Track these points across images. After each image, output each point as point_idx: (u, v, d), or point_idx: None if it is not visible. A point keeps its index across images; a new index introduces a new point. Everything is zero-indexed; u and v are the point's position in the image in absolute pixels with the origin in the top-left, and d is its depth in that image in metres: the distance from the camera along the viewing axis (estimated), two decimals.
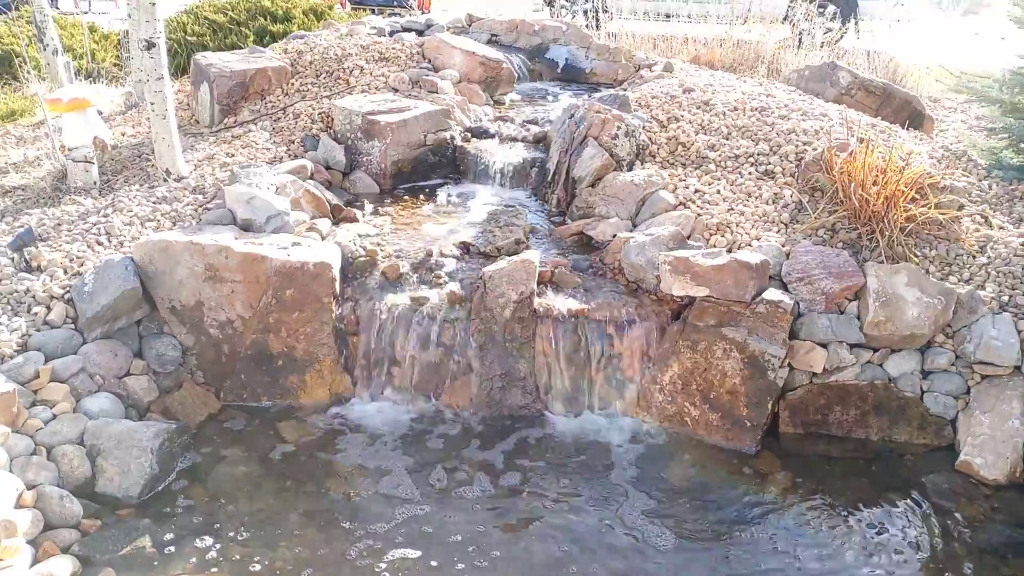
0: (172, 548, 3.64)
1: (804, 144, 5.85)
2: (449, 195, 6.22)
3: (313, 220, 5.31)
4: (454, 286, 4.80)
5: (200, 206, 5.44)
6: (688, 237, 5.00)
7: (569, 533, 3.83)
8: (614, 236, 5.20)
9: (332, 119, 6.66)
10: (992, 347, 4.27)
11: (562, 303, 4.66)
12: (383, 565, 3.59)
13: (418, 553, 3.65)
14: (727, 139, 6.02)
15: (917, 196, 4.97)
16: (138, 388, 4.43)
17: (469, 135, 6.83)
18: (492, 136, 6.85)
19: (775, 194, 5.39)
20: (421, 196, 6.25)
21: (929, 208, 4.90)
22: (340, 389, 4.76)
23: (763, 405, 4.36)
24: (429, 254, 5.07)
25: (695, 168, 5.75)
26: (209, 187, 5.67)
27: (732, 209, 5.25)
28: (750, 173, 5.66)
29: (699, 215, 5.18)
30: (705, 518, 3.94)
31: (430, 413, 4.67)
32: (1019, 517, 3.91)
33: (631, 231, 5.25)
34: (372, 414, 4.67)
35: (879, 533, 3.86)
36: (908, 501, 4.07)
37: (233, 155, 6.23)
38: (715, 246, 4.93)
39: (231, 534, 3.75)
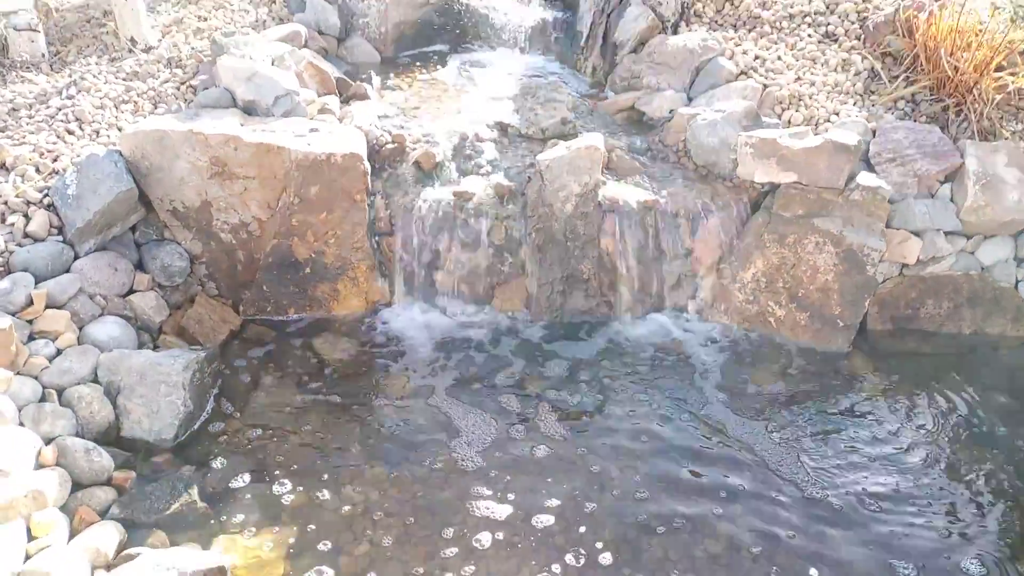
0: (223, 500, 3.14)
1: (863, 0, 5.21)
2: (463, 64, 5.46)
3: (322, 99, 4.53)
4: (499, 177, 4.18)
5: (183, 83, 4.59)
6: (757, 112, 4.42)
7: (637, 445, 3.46)
8: (671, 112, 4.60)
9: None
10: None
11: (628, 193, 4.10)
12: (467, 500, 3.16)
13: (504, 481, 3.23)
14: None
15: (1004, 64, 4.46)
16: (146, 307, 3.78)
17: None
18: None
19: (843, 60, 4.80)
20: (430, 64, 5.47)
21: (1019, 77, 4.41)
22: (377, 297, 4.19)
23: (859, 303, 3.98)
24: (464, 138, 4.39)
25: (748, 30, 5.09)
26: (187, 59, 4.79)
27: (800, 79, 4.67)
28: (809, 36, 5.04)
29: (766, 86, 4.58)
30: (797, 427, 3.60)
31: (481, 321, 4.16)
32: None
33: (688, 105, 4.64)
34: (417, 324, 4.14)
35: (995, 433, 3.60)
36: (1012, 399, 3.80)
37: (206, 19, 5.28)
38: (791, 122, 4.38)
39: (286, 478, 3.25)
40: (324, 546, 2.95)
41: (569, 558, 2.91)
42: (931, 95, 4.52)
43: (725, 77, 4.66)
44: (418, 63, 5.47)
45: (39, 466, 2.95)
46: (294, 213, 3.95)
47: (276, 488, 3.18)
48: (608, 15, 5.12)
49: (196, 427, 3.45)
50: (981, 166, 4.02)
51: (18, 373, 3.16)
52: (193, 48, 4.90)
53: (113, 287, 3.72)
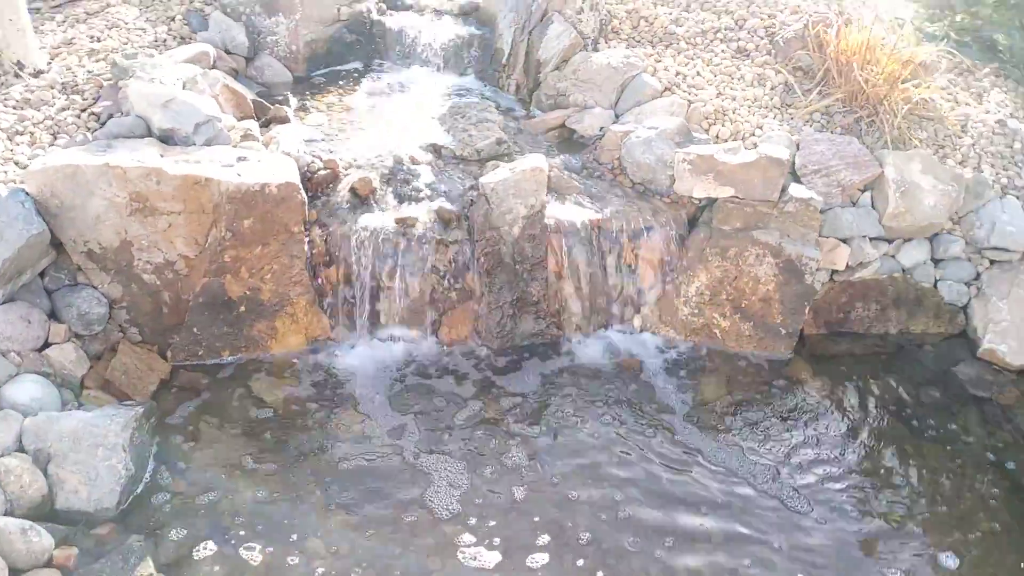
0: (183, 571, 2.87)
1: (769, 17, 5.42)
2: (382, 83, 5.28)
3: (242, 124, 4.27)
4: (441, 201, 4.06)
5: (83, 111, 4.22)
6: (688, 128, 4.50)
7: (609, 464, 3.47)
8: (602, 130, 4.61)
9: None
10: (1006, 232, 4.22)
11: (572, 213, 4.08)
12: (430, 540, 3.04)
13: (487, 524, 3.13)
14: (687, 11, 5.47)
15: (909, 76, 4.73)
16: (66, 361, 3.44)
17: (384, 7, 5.79)
18: (409, 7, 5.87)
19: (758, 75, 4.97)
20: (346, 84, 5.27)
21: (921, 88, 4.70)
22: (318, 333, 3.98)
23: (799, 311, 4.11)
24: (398, 161, 4.25)
25: (665, 47, 5.18)
26: (83, 84, 4.40)
27: (721, 93, 4.79)
28: (723, 51, 5.18)
29: (691, 102, 4.67)
30: (745, 432, 3.70)
31: (430, 351, 4.03)
32: None
33: (616, 122, 4.67)
34: (363, 359, 3.96)
35: (934, 428, 3.79)
36: (940, 394, 4.03)
37: (99, 39, 4.88)
38: (718, 137, 4.48)
39: (247, 537, 3.03)
40: None
41: None
42: (844, 107, 4.73)
43: (650, 94, 4.72)
44: (333, 82, 5.26)
45: None
46: (226, 249, 3.70)
47: (240, 550, 2.95)
48: (530, 32, 5.09)
49: (139, 490, 3.16)
50: (899, 174, 4.24)
51: None
52: (90, 72, 4.51)
53: (27, 341, 3.36)
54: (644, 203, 4.23)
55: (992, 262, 4.35)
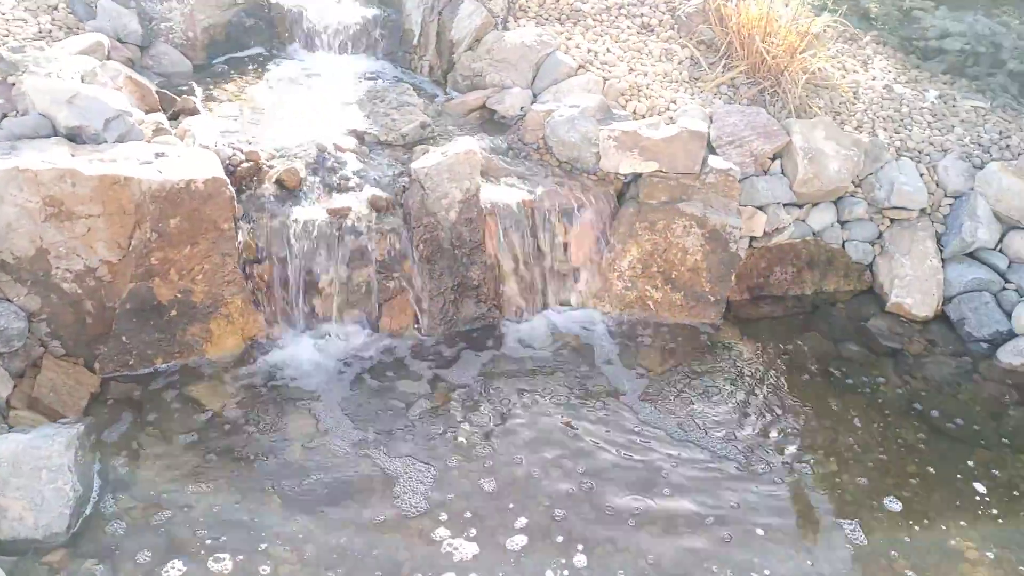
0: None
1: None
2: (290, 69, 5.11)
3: (150, 117, 4.05)
4: (372, 189, 3.99)
5: None
6: (608, 105, 4.59)
7: (565, 438, 3.57)
8: (523, 109, 4.64)
9: None
10: (904, 192, 4.54)
11: (506, 195, 4.10)
12: (399, 537, 3.05)
13: (440, 513, 3.15)
14: None
15: (805, 47, 4.99)
16: None
17: None
18: None
19: (665, 50, 5.12)
20: (250, 70, 5.06)
21: (816, 58, 4.97)
22: (254, 333, 3.85)
23: (726, 278, 4.29)
24: (322, 150, 4.14)
25: (573, 24, 5.24)
26: None
27: (633, 69, 4.91)
28: (628, 27, 5.30)
29: (606, 79, 4.76)
30: (684, 395, 3.87)
31: (373, 344, 3.98)
32: (951, 346, 4.34)
33: (535, 101, 4.71)
34: (303, 357, 3.87)
35: (853, 378, 4.07)
36: (857, 347, 4.31)
37: None
38: (635, 112, 4.60)
39: (212, 548, 2.93)
40: None
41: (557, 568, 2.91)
42: (748, 79, 4.95)
43: (566, 72, 4.78)
44: (237, 70, 5.04)
45: None
46: (152, 251, 3.52)
47: (211, 566, 2.85)
48: (439, 12, 5.03)
49: (88, 512, 2.99)
50: (806, 141, 4.48)
51: None
52: None
53: None
54: (573, 181, 4.30)
55: (892, 221, 4.67)
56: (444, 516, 3.12)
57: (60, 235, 3.40)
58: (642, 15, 5.40)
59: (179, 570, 2.82)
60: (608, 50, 5.04)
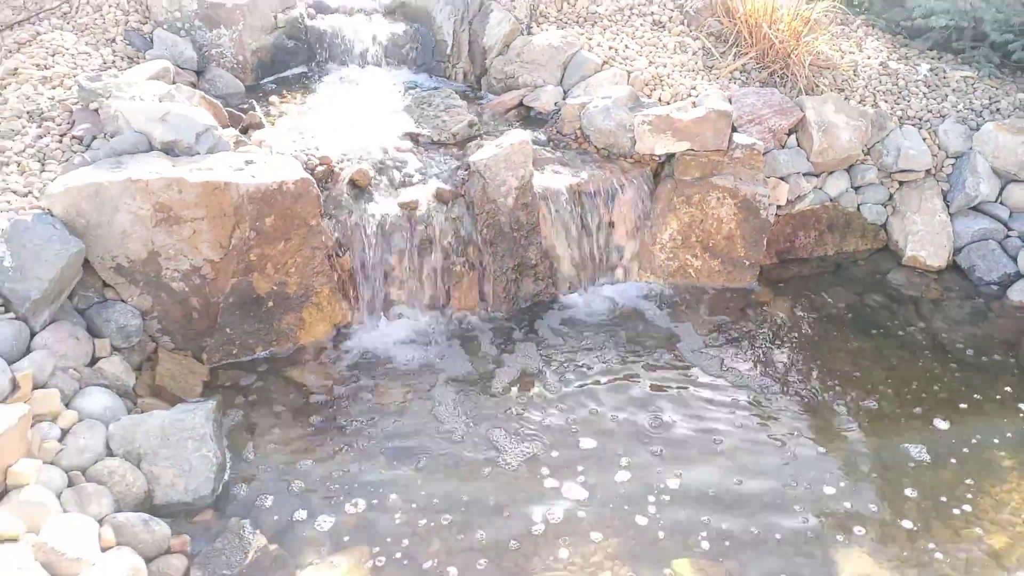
0: (294, 536, 3.11)
1: None
2: (334, 83, 5.50)
3: (226, 132, 4.41)
4: (436, 182, 4.38)
5: (63, 136, 4.24)
6: (637, 95, 5.01)
7: (619, 396, 3.95)
8: (556, 104, 5.05)
9: (148, 8, 5.41)
10: (910, 156, 4.98)
11: (556, 181, 4.50)
12: (508, 481, 3.43)
13: (539, 461, 3.53)
14: None
15: (807, 31, 5.44)
16: (118, 372, 3.54)
17: (312, 11, 5.98)
18: (335, 10, 6.08)
19: (678, 43, 5.56)
20: (297, 87, 5.45)
21: (817, 40, 5.42)
22: (339, 319, 4.22)
23: (759, 243, 4.70)
24: (384, 151, 4.53)
25: (592, 25, 5.68)
26: (50, 111, 4.41)
27: (653, 62, 5.33)
28: (641, 25, 5.74)
29: (630, 72, 5.19)
30: (729, 348, 4.29)
31: (444, 323, 4.36)
32: (965, 291, 4.79)
33: (565, 97, 5.13)
34: (385, 338, 4.24)
35: (879, 325, 4.50)
36: (881, 297, 4.74)
37: (48, 66, 4.85)
38: (661, 100, 5.02)
39: (337, 502, 3.29)
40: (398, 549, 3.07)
41: (652, 504, 3.30)
42: (758, 64, 5.39)
43: (592, 68, 5.20)
44: (286, 87, 5.42)
45: (102, 549, 2.76)
46: (251, 248, 3.88)
47: (337, 514, 3.20)
48: (470, 22, 5.44)
49: (226, 478, 3.34)
50: (818, 115, 4.92)
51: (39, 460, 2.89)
52: (51, 98, 4.51)
53: (80, 357, 3.45)
54: (612, 165, 4.71)
55: (901, 183, 5.11)
56: (544, 464, 3.49)
57: (169, 238, 3.76)
58: (652, 13, 5.85)
59: (314, 517, 3.18)
60: (627, 46, 5.47)
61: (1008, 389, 4.00)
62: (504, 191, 4.28)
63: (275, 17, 5.60)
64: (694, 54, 5.47)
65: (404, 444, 3.60)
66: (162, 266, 3.79)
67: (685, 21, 5.76)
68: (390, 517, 3.22)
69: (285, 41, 5.66)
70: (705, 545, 3.12)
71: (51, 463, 2.95)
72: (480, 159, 4.28)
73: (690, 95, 5.06)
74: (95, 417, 3.22)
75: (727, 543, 3.13)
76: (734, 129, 4.85)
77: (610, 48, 5.41)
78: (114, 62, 5.01)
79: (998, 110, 5.32)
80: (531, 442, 3.61)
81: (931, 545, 3.14)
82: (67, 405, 3.23)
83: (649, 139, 4.62)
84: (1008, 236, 4.89)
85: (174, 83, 4.84)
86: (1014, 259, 4.79)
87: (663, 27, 5.76)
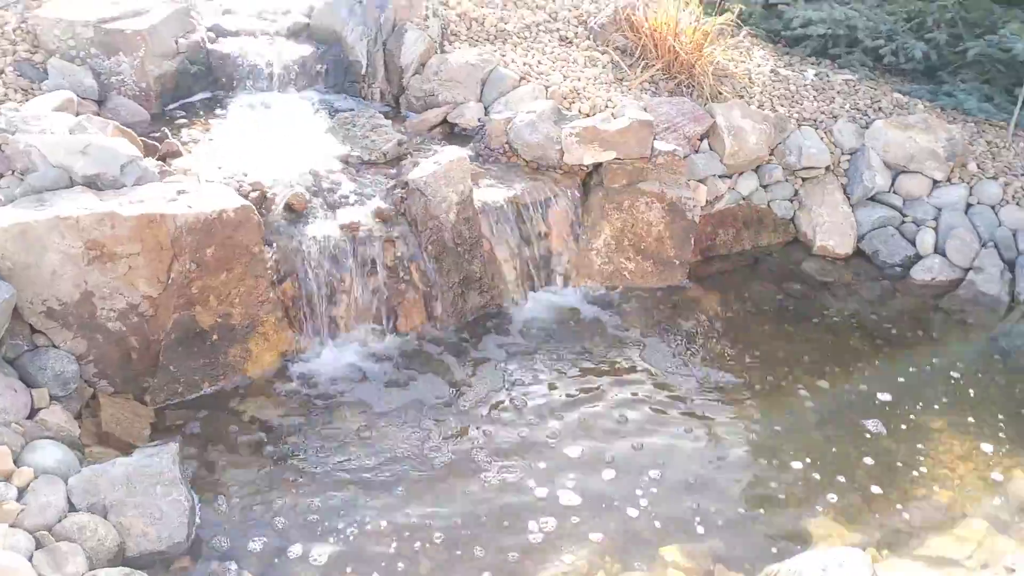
0: (281, 571, 3.00)
1: (575, 8, 6.22)
2: (245, 108, 5.32)
3: (145, 161, 4.21)
4: (375, 202, 4.34)
5: None
6: (559, 108, 5.13)
7: (588, 389, 4.10)
8: (480, 120, 5.11)
9: (37, 36, 5.09)
10: (811, 154, 5.34)
11: (490, 195, 4.54)
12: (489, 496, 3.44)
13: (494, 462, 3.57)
14: (507, 10, 6.11)
15: (707, 43, 5.75)
16: (61, 422, 3.31)
17: (213, 35, 5.78)
18: (236, 33, 5.90)
19: (588, 58, 5.74)
20: (207, 113, 5.25)
21: (717, 52, 5.74)
22: (287, 347, 4.09)
23: (687, 243, 4.91)
24: (315, 175, 4.44)
25: (502, 42, 5.78)
26: None
27: (567, 77, 5.48)
28: (549, 41, 5.90)
29: (547, 87, 5.31)
30: (667, 340, 4.51)
31: (394, 344, 4.30)
32: (871, 274, 5.20)
33: (487, 113, 5.19)
34: (335, 364, 4.15)
35: (802, 310, 4.82)
36: (799, 285, 5.07)
37: None
38: (581, 112, 5.17)
39: (322, 533, 3.20)
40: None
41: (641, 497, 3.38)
42: (665, 75, 5.64)
43: (511, 84, 5.29)
44: (194, 114, 5.21)
45: None
46: (192, 281, 3.71)
47: (322, 546, 3.11)
48: (384, 42, 5.42)
49: (198, 520, 3.17)
50: (727, 121, 5.20)
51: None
52: None
53: (19, 410, 3.20)
54: (543, 177, 4.80)
55: (804, 180, 5.47)
56: (523, 473, 3.52)
57: (103, 276, 3.54)
58: (558, 30, 6.01)
59: (300, 549, 3.07)
60: (539, 62, 5.60)
61: (935, 360, 4.38)
62: (445, 207, 4.28)
63: (176, 42, 5.37)
64: (604, 68, 5.67)
65: (370, 466, 3.53)
66: (96, 306, 3.57)
67: (591, 36, 5.95)
68: (377, 541, 3.15)
69: (188, 66, 5.44)
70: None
71: (13, 526, 2.71)
72: (420, 176, 4.27)
73: (607, 106, 5.24)
74: (50, 471, 2.99)
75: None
76: (654, 137, 5.05)
77: (524, 64, 5.52)
78: (7, 95, 4.67)
79: (880, 108, 5.79)
80: (498, 448, 3.64)
81: (898, 506, 3.41)
82: (15, 462, 2.97)
83: (577, 150, 4.75)
84: (904, 222, 5.32)
85: (78, 114, 4.57)
86: (912, 242, 5.22)
87: (570, 43, 5.93)
